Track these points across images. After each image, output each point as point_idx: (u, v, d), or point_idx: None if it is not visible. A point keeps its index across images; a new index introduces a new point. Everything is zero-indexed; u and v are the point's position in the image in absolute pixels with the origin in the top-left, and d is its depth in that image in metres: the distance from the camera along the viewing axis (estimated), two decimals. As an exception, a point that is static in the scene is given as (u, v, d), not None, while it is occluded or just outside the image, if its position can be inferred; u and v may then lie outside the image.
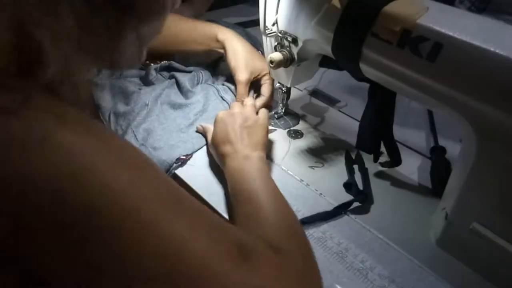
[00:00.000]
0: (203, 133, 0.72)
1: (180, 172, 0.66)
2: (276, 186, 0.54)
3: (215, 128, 0.65)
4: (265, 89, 0.79)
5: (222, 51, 0.81)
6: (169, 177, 0.36)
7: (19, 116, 0.29)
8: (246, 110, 0.66)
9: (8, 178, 0.28)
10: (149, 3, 0.38)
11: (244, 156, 0.58)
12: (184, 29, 0.81)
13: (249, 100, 0.70)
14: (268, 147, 0.67)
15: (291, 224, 0.48)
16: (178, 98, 0.79)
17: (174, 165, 0.67)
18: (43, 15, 0.29)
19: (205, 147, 0.71)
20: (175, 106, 0.77)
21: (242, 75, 0.77)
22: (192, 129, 0.73)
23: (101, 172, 0.30)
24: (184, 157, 0.68)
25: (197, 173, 0.66)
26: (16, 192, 0.28)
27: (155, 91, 0.79)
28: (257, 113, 0.67)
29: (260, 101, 0.78)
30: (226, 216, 0.59)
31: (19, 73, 0.30)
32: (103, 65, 0.39)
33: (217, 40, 0.80)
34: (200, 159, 0.69)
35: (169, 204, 0.33)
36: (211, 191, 0.63)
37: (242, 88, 0.77)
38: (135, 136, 0.71)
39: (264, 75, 0.79)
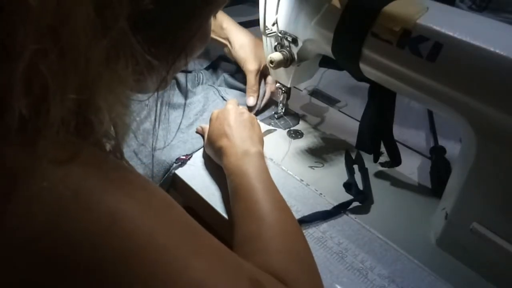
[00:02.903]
0: (202, 134, 0.72)
1: (180, 172, 0.66)
2: (277, 189, 0.54)
3: (210, 126, 0.65)
4: (267, 89, 0.82)
5: (223, 40, 0.82)
6: (186, 213, 0.36)
7: (65, 169, 0.29)
8: (241, 107, 0.68)
9: (47, 231, 0.28)
10: (200, 43, 0.39)
11: (243, 152, 0.58)
12: None
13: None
14: (268, 147, 0.67)
15: (296, 241, 0.48)
16: (178, 98, 0.79)
17: (174, 165, 0.67)
18: (104, 71, 0.29)
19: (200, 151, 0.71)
20: (175, 106, 0.77)
21: (252, 65, 0.78)
22: (192, 129, 0.73)
23: (131, 220, 0.30)
24: (184, 157, 0.68)
25: (197, 173, 0.66)
26: (50, 247, 0.28)
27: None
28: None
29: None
30: (225, 215, 0.59)
31: (75, 128, 0.29)
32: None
33: (222, 28, 0.81)
34: (200, 159, 0.69)
35: (190, 243, 0.34)
36: (211, 191, 0.63)
37: (252, 78, 0.78)
38: (135, 136, 0.71)
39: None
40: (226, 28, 0.80)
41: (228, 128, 0.62)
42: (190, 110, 0.77)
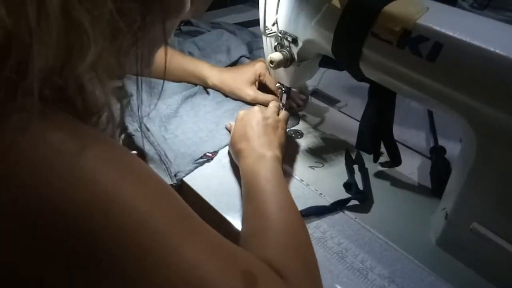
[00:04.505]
0: (230, 130, 0.72)
1: (187, 179, 0.65)
2: (287, 190, 0.54)
3: (235, 126, 0.66)
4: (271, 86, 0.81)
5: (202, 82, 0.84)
6: (182, 199, 0.36)
7: (44, 138, 0.29)
8: (268, 109, 0.68)
9: (31, 204, 0.28)
10: (176, 9, 0.39)
11: (258, 155, 0.58)
12: (174, 65, 0.84)
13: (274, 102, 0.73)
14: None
15: (299, 240, 0.48)
16: (208, 101, 0.81)
17: (200, 160, 0.67)
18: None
19: (226, 148, 0.70)
20: (205, 103, 0.80)
21: (248, 93, 0.79)
22: (221, 126, 0.74)
23: (126, 201, 0.30)
24: (210, 154, 0.68)
25: (205, 181, 0.65)
26: (39, 219, 0.28)
27: (186, 91, 0.82)
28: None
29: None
30: (235, 225, 0.58)
31: (62, 65, 0.29)
32: (123, 72, 0.39)
33: (207, 83, 0.83)
34: (207, 166, 0.68)
35: (182, 227, 0.33)
36: (218, 196, 0.62)
37: (259, 96, 0.79)
38: (165, 127, 0.72)
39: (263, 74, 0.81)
40: (212, 84, 0.82)
41: (250, 131, 0.62)
42: (221, 107, 0.79)
